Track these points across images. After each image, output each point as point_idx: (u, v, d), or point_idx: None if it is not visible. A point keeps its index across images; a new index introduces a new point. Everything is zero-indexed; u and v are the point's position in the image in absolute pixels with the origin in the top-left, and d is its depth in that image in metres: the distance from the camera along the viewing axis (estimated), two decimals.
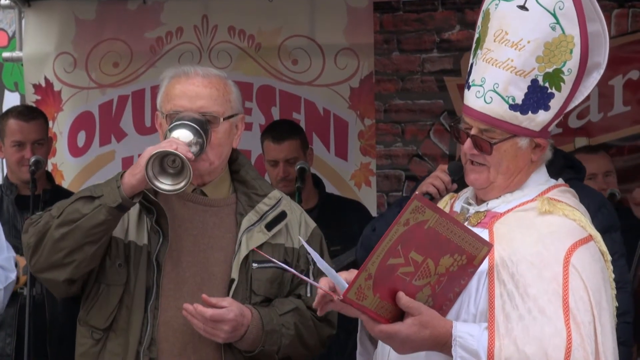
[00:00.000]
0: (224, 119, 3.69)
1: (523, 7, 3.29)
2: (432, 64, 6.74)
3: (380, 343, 3.47)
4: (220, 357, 3.64)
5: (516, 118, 3.30)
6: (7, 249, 4.54)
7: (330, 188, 6.30)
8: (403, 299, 3.19)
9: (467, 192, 3.54)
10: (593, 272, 3.27)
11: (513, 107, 3.29)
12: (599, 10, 3.26)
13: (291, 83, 6.86)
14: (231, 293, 3.63)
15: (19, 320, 5.05)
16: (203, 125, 3.56)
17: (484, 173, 3.39)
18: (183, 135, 3.46)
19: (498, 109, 3.31)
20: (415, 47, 6.79)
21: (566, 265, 3.24)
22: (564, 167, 4.65)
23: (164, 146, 3.43)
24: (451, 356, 3.19)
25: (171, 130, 3.48)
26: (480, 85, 3.32)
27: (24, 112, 5.94)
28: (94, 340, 3.67)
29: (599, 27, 3.30)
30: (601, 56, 3.33)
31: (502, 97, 3.30)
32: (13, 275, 4.48)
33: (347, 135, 6.82)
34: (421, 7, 6.78)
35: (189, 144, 3.44)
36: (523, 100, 3.29)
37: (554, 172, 4.23)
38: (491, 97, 3.29)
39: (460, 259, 3.25)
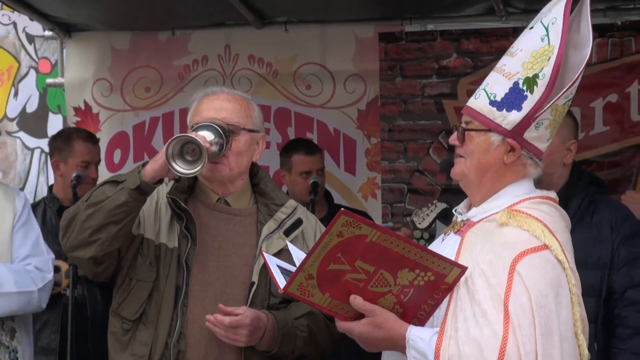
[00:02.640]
0: (245, 129, 3.68)
1: (531, 28, 3.38)
2: (431, 89, 6.73)
3: None
4: (240, 354, 3.64)
5: (492, 113, 3.32)
6: (47, 252, 4.54)
7: (339, 200, 6.37)
8: (355, 300, 3.22)
9: (462, 204, 3.53)
10: (539, 278, 3.23)
11: (492, 102, 3.32)
12: (590, 35, 3.35)
13: (305, 106, 6.88)
14: (251, 295, 3.65)
15: (62, 319, 5.04)
16: (224, 130, 3.58)
17: (461, 164, 3.39)
18: (205, 134, 3.49)
19: (480, 104, 3.36)
20: (417, 73, 6.79)
21: (511, 272, 3.21)
22: (589, 184, 4.64)
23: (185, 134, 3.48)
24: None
25: (195, 130, 3.51)
26: (479, 87, 3.40)
27: (91, 136, 6.03)
28: (124, 330, 3.70)
29: (586, 52, 3.37)
30: (573, 72, 3.38)
31: (487, 93, 3.35)
32: (49, 276, 4.47)
33: (355, 152, 6.84)
34: (422, 37, 6.78)
35: (210, 143, 3.47)
36: (502, 98, 3.31)
37: (581, 189, 4.48)
38: (480, 94, 3.36)
39: (425, 275, 3.22)
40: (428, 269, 3.14)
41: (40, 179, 8.57)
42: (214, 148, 3.50)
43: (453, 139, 3.35)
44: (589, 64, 6.30)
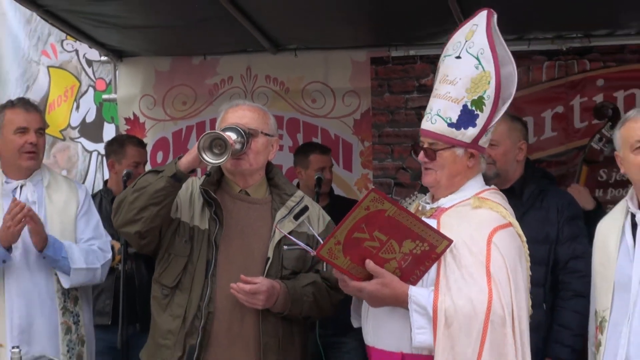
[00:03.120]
0: (262, 133, 3.71)
1: (458, 57, 3.37)
2: (413, 102, 6.72)
3: (363, 304, 3.53)
4: (259, 315, 3.65)
5: (452, 133, 3.37)
6: (105, 235, 4.57)
7: (339, 191, 6.36)
8: (370, 264, 3.26)
9: (425, 197, 3.58)
10: (509, 248, 3.35)
11: (450, 124, 3.37)
12: (510, 55, 3.38)
13: (311, 116, 6.88)
14: (267, 268, 3.68)
15: (115, 288, 5.07)
16: (245, 132, 3.61)
17: (433, 175, 3.44)
18: (230, 134, 3.53)
19: (440, 127, 3.39)
20: (401, 89, 6.78)
21: (489, 243, 3.31)
22: (541, 177, 4.75)
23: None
24: (408, 310, 3.27)
25: (222, 131, 3.54)
26: (429, 113, 3.40)
27: (140, 141, 6.08)
28: (164, 295, 3.73)
29: (511, 68, 3.37)
30: (512, 89, 3.39)
31: (443, 119, 3.39)
32: (109, 255, 4.51)
33: (351, 153, 6.83)
34: (405, 61, 6.77)
35: (234, 141, 3.50)
36: (457, 120, 3.35)
37: (533, 181, 4.56)
38: (435, 119, 3.38)
39: (422, 245, 3.27)
40: (425, 240, 3.22)
41: (97, 176, 8.55)
42: (237, 146, 3.54)
43: (422, 157, 3.41)
44: (540, 82, 6.39)
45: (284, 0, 5.70)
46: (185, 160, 3.55)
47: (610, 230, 3.48)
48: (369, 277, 3.28)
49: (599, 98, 6.22)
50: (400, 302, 3.26)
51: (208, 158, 3.49)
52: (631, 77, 6.29)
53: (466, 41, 3.36)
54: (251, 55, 6.86)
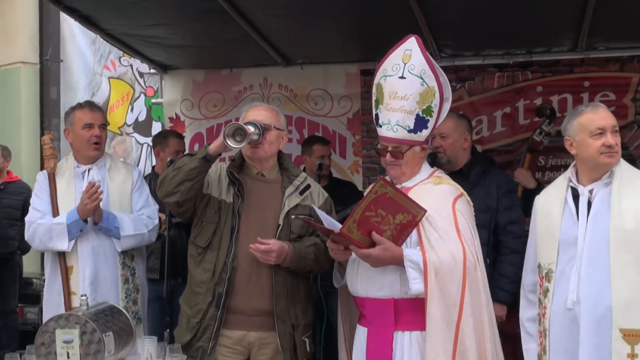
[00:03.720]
0: (274, 128, 3.73)
1: (402, 77, 3.40)
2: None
3: (349, 266, 3.59)
4: (271, 270, 3.69)
5: (412, 137, 3.44)
6: (154, 204, 4.56)
7: (336, 174, 6.34)
8: (375, 235, 3.30)
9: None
10: (467, 211, 3.49)
11: (409, 131, 3.44)
12: (441, 70, 3.47)
13: (314, 116, 6.85)
14: (278, 232, 3.72)
15: (162, 249, 5.05)
16: (261, 126, 3.63)
17: (398, 169, 3.52)
18: (249, 126, 3.58)
19: (402, 134, 3.45)
20: None
21: (453, 209, 3.43)
22: (485, 161, 4.76)
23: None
24: (403, 266, 3.29)
25: (244, 124, 3.60)
26: (389, 124, 3.44)
27: (180, 135, 6.10)
28: (197, 253, 3.76)
29: (444, 79, 3.45)
30: (449, 93, 3.47)
31: (403, 127, 3.45)
32: (156, 221, 4.50)
33: (345, 144, 6.81)
34: None
35: (252, 132, 3.54)
36: (414, 127, 3.42)
37: (478, 164, 4.58)
38: (397, 129, 3.44)
39: (408, 216, 3.36)
40: (410, 212, 3.31)
41: (147, 163, 8.61)
42: (254, 136, 3.59)
43: (390, 158, 3.50)
44: (492, 88, 6.40)
45: (293, 26, 5.69)
46: (214, 145, 3.57)
47: (552, 200, 3.47)
48: (372, 244, 3.32)
49: (538, 101, 6.21)
50: (397, 262, 3.32)
51: (231, 143, 3.51)
52: (563, 84, 6.28)
53: (405, 63, 3.39)
54: (267, 68, 6.81)
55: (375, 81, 3.56)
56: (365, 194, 3.47)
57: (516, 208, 4.48)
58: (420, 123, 3.40)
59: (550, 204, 3.46)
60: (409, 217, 3.32)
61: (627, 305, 3.14)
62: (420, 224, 3.35)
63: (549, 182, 5.65)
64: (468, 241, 3.35)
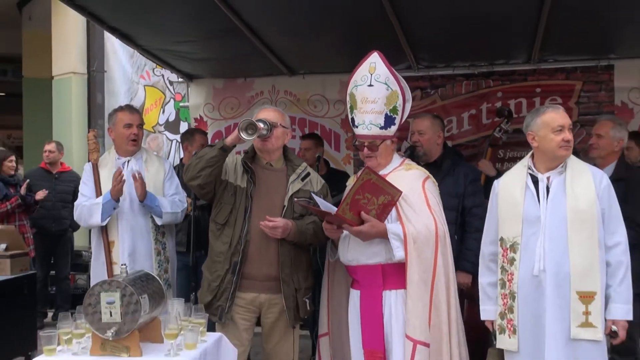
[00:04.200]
0: (280, 125, 3.72)
1: (370, 85, 3.44)
2: None
3: (340, 243, 3.60)
4: (278, 243, 3.69)
5: (383, 132, 3.46)
6: (182, 192, 4.56)
7: (333, 165, 6.33)
8: (364, 215, 3.32)
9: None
10: (433, 191, 3.53)
11: (381, 128, 3.47)
12: (401, 77, 3.52)
13: (313, 117, 6.82)
14: (283, 212, 3.72)
15: (188, 227, 5.03)
16: (270, 123, 3.64)
17: (374, 160, 3.54)
18: (259, 123, 3.57)
19: (375, 131, 3.48)
20: None
21: (423, 189, 3.47)
22: (454, 154, 4.74)
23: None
24: (387, 239, 3.32)
25: (255, 121, 3.58)
26: (363, 124, 3.47)
27: (204, 132, 6.05)
28: (217, 229, 3.76)
29: (404, 84, 3.48)
30: (409, 96, 3.50)
31: (375, 125, 3.47)
32: (185, 205, 4.51)
33: (340, 140, 6.78)
34: None
35: (262, 128, 3.55)
36: (384, 124, 3.44)
37: (449, 157, 4.54)
38: (371, 127, 3.46)
39: (387, 197, 3.39)
40: (389, 194, 3.33)
41: (176, 156, 8.57)
42: (263, 131, 3.59)
43: (367, 152, 3.53)
44: (461, 94, 6.38)
45: (297, 43, 5.69)
46: (229, 138, 3.59)
47: (513, 183, 3.43)
48: (361, 222, 3.36)
49: (498, 104, 6.20)
50: (382, 235, 3.36)
51: (243, 135, 3.52)
52: (519, 90, 6.27)
53: (371, 74, 3.44)
54: (275, 78, 6.79)
55: (348, 91, 3.61)
56: (353, 181, 3.50)
57: (479, 194, 4.47)
58: (389, 120, 3.44)
59: (512, 187, 3.42)
60: (389, 198, 3.35)
61: (582, 272, 3.16)
62: (397, 203, 3.38)
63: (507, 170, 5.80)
64: (437, 214, 3.42)
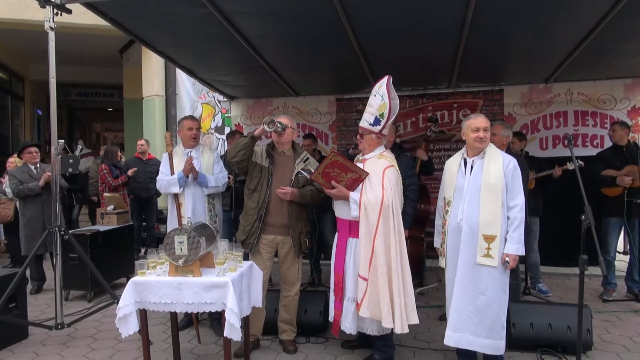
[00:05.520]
0: (290, 127, 3.63)
1: (375, 96, 3.27)
2: (354, 117, 6.55)
3: (335, 203, 3.47)
4: (288, 203, 3.61)
5: (370, 128, 3.31)
6: (225, 171, 4.43)
7: (323, 154, 6.17)
8: (333, 183, 3.22)
9: (359, 154, 3.52)
10: (393, 176, 3.29)
11: (370, 124, 3.30)
12: (396, 95, 3.29)
13: (311, 123, 6.72)
14: (292, 183, 3.61)
15: (230, 195, 4.96)
16: (283, 125, 3.53)
17: (362, 145, 3.38)
18: (277, 122, 3.44)
19: (365, 126, 3.32)
20: (349, 112, 6.61)
21: (383, 173, 3.27)
22: (399, 147, 4.58)
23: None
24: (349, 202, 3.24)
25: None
26: (363, 119, 3.32)
27: (241, 133, 5.78)
28: (249, 193, 3.66)
29: (397, 101, 3.30)
30: (395, 110, 3.30)
31: (367, 122, 3.31)
32: (226, 180, 4.38)
33: (328, 138, 6.69)
34: (351, 100, 6.59)
35: (279, 126, 3.44)
36: (372, 123, 3.28)
37: (397, 150, 4.24)
38: (364, 122, 3.33)
39: (355, 175, 3.23)
40: (356, 173, 3.21)
41: (221, 149, 8.51)
42: (279, 128, 3.50)
43: (359, 138, 3.39)
44: (406, 108, 6.22)
45: (300, 75, 5.63)
46: (257, 130, 3.53)
47: (453, 163, 3.37)
48: (333, 188, 3.29)
49: (430, 114, 6.15)
50: (346, 198, 3.28)
51: (266, 127, 3.45)
52: (443, 105, 6.22)
53: (377, 89, 3.33)
54: (286, 98, 6.72)
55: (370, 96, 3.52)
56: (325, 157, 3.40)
57: (413, 173, 4.38)
58: (376, 121, 3.32)
59: (452, 166, 3.37)
60: (357, 175, 3.25)
61: (487, 221, 3.14)
62: (366, 180, 3.32)
63: (435, 157, 5.82)
64: (388, 192, 3.22)
